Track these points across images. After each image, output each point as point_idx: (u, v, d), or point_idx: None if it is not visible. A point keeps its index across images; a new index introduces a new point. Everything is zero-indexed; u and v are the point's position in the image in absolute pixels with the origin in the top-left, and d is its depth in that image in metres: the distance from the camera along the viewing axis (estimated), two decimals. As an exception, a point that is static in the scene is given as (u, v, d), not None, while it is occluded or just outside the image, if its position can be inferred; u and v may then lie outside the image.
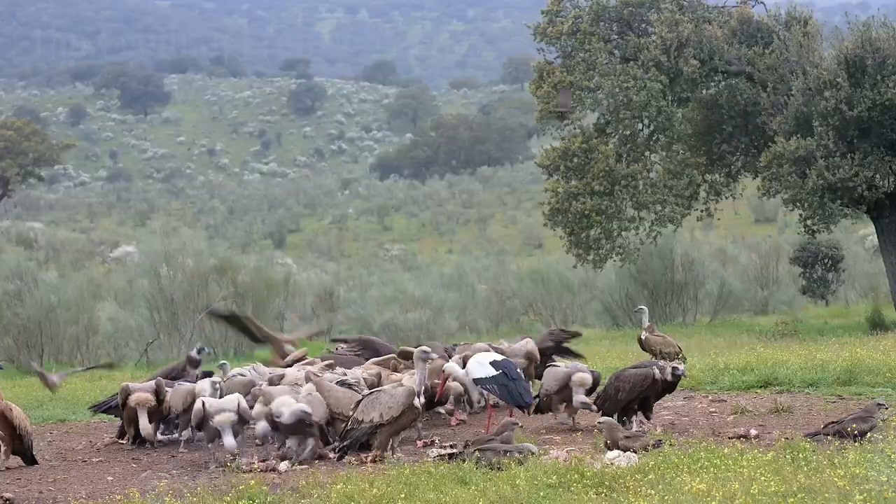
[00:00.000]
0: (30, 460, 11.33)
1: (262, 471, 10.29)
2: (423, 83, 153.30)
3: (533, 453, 9.71)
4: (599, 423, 10.45)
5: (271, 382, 11.89)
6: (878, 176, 20.87)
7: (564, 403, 11.92)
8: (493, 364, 11.52)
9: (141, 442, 12.25)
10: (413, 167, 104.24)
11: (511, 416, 11.65)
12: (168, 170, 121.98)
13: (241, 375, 12.73)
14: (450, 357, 12.96)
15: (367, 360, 13.63)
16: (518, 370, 11.81)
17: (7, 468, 11.27)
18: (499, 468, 9.42)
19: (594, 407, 11.63)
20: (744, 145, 23.16)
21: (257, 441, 11.50)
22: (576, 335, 15.01)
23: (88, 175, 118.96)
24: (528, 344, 13.61)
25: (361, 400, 10.83)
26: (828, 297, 31.57)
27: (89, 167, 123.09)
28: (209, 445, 10.94)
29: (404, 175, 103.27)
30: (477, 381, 11.55)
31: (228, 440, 10.74)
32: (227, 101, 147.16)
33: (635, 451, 9.76)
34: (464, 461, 9.48)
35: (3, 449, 11.07)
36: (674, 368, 11.61)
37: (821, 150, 20.51)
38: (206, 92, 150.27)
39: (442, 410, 12.92)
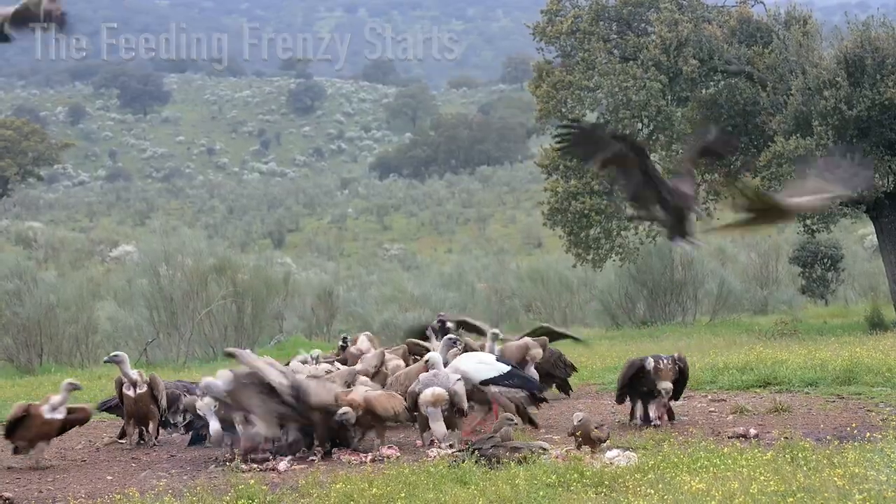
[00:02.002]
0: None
1: (261, 470, 10.30)
2: (422, 83, 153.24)
3: (545, 450, 9.80)
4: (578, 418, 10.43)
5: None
6: (877, 175, 20.89)
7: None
8: (500, 360, 11.61)
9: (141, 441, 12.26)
10: (412, 167, 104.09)
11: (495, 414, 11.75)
12: (167, 169, 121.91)
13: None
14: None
15: None
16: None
17: (8, 468, 11.28)
18: (498, 462, 9.45)
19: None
20: (743, 145, 23.15)
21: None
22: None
23: (88, 174, 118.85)
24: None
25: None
26: (827, 297, 31.58)
27: (88, 166, 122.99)
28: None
29: (403, 174, 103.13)
30: (488, 382, 11.38)
31: (213, 425, 10.98)
32: (226, 100, 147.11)
33: (602, 441, 9.93)
34: (463, 461, 9.49)
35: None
36: (676, 360, 11.75)
37: (820, 149, 20.52)
38: (205, 91, 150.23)
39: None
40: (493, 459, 9.58)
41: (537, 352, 13.43)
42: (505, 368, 11.48)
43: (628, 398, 11.97)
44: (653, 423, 11.64)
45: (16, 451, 11.29)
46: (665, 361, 11.72)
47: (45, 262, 48.47)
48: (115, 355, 12.38)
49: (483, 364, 11.47)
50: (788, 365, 14.69)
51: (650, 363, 11.69)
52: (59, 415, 11.21)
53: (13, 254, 34.83)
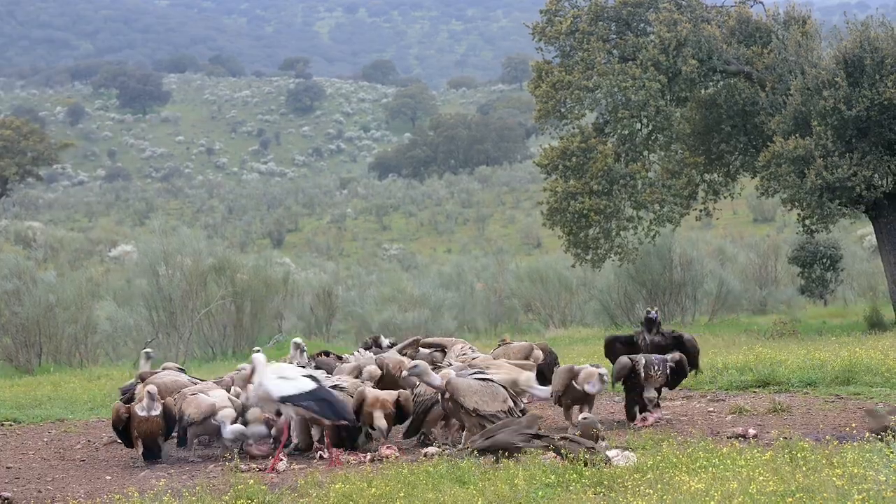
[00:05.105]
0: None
1: (260, 470, 10.30)
2: (421, 83, 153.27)
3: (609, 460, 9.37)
4: (584, 418, 10.38)
5: None
6: (876, 175, 20.89)
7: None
8: (307, 377, 10.61)
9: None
10: (411, 167, 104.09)
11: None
12: (167, 169, 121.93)
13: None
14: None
15: None
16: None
17: (7, 468, 11.28)
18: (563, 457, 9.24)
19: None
20: (742, 145, 23.15)
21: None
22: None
23: (87, 174, 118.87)
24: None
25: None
26: (826, 297, 31.57)
27: (88, 166, 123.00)
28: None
29: (403, 174, 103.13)
30: (286, 400, 10.44)
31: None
32: (225, 100, 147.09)
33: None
34: (462, 461, 9.47)
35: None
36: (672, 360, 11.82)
37: (819, 149, 20.51)
38: (204, 91, 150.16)
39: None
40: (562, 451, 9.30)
41: (538, 353, 13.34)
42: (307, 387, 10.46)
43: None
44: (635, 425, 11.69)
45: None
46: (656, 367, 11.73)
47: (44, 262, 48.46)
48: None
49: (283, 379, 10.58)
50: (787, 365, 14.70)
51: (640, 365, 11.74)
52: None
53: (12, 254, 34.76)
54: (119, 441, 12.35)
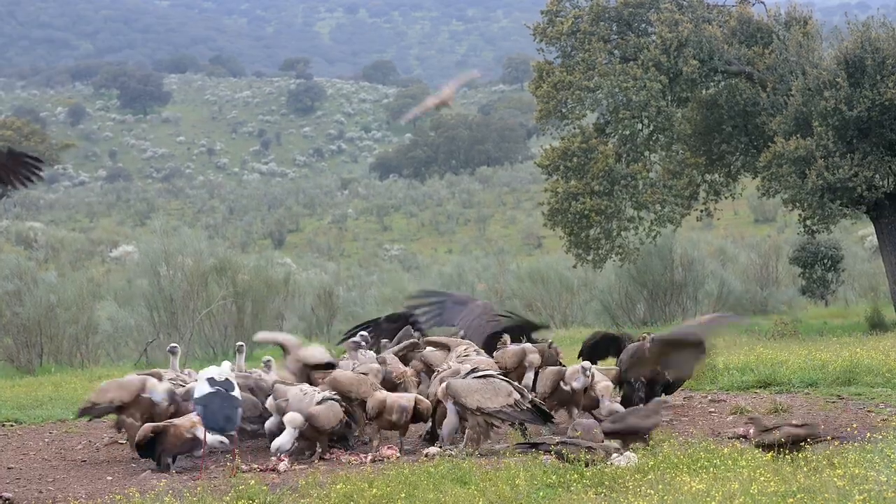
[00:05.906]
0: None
1: (261, 471, 10.30)
2: (422, 83, 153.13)
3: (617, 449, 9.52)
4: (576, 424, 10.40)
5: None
6: (877, 176, 20.90)
7: None
8: (210, 381, 10.41)
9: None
10: (412, 167, 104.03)
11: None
12: (167, 169, 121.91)
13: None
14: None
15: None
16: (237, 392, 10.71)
17: (8, 468, 11.28)
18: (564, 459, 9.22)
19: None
20: (743, 145, 23.16)
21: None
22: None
23: (88, 175, 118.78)
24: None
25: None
26: (827, 297, 31.55)
27: (89, 167, 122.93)
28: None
29: (404, 175, 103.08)
30: (195, 402, 10.50)
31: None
32: (226, 100, 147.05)
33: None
34: (462, 461, 9.48)
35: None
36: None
37: (820, 150, 20.52)
38: (205, 92, 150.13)
39: None
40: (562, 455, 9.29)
41: (535, 357, 12.81)
42: (206, 390, 10.32)
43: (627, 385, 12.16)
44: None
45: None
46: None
47: (45, 263, 48.48)
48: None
49: (199, 381, 10.61)
50: (788, 365, 14.69)
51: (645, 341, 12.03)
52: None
53: (13, 254, 34.79)
54: (121, 442, 12.37)
